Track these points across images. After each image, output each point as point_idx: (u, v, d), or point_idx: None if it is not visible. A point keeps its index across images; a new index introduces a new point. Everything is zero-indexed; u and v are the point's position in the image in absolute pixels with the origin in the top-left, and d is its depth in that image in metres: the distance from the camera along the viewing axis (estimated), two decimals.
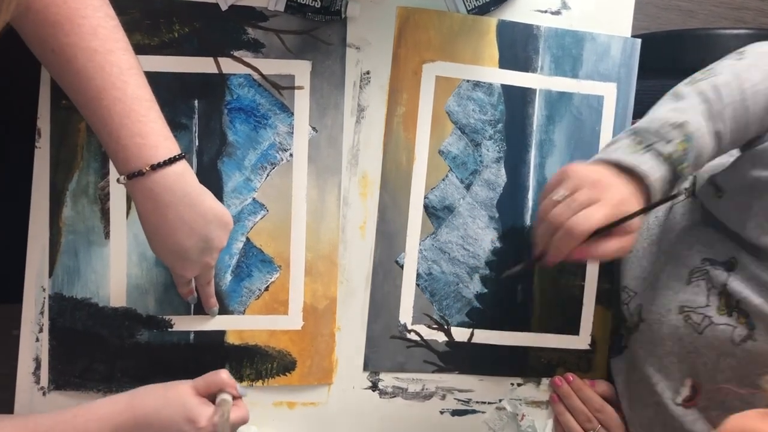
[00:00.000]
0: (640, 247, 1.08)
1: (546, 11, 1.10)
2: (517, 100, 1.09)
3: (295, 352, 1.02)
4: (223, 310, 1.01)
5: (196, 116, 1.00)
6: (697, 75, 0.95)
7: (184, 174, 0.82)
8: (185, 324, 1.01)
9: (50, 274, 0.98)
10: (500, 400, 1.10)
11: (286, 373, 1.03)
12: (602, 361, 1.12)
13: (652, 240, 1.08)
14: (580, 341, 1.12)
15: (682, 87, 0.95)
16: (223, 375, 0.87)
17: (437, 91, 1.08)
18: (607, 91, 1.10)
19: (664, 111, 0.91)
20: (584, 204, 0.84)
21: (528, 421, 1.10)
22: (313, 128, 1.02)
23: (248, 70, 1.01)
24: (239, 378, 1.02)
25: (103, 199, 0.99)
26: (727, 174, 0.97)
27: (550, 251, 0.88)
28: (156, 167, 0.79)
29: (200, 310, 1.00)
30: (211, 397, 0.87)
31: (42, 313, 0.98)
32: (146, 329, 1.00)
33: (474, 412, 1.09)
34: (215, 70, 1.00)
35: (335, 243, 1.03)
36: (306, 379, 1.03)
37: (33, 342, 0.99)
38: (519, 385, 1.11)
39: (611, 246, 0.85)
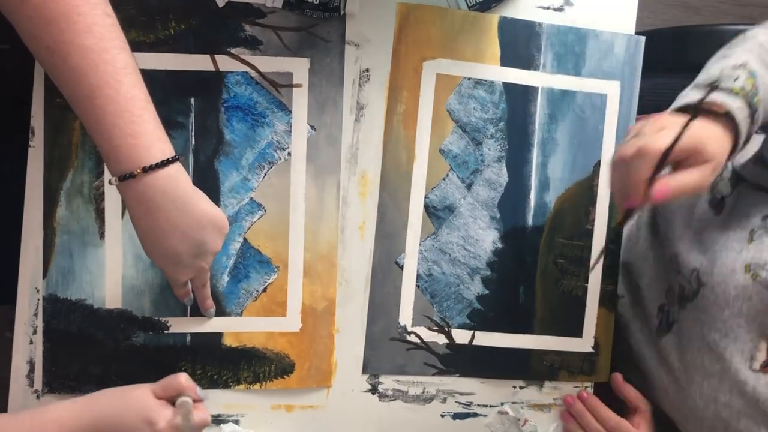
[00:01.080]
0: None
1: (548, 8, 1.10)
2: (519, 98, 1.09)
3: (293, 355, 1.02)
4: (221, 312, 1.01)
5: (193, 114, 1.00)
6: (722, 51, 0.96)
7: (178, 177, 0.81)
8: (182, 326, 1.00)
9: (44, 275, 0.98)
10: (502, 404, 1.10)
11: (284, 376, 1.03)
12: (605, 363, 1.12)
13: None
14: (583, 344, 1.12)
15: (724, 50, 0.94)
16: (182, 378, 0.86)
17: (438, 89, 1.08)
18: (611, 90, 1.10)
19: (718, 64, 0.90)
20: (654, 132, 0.82)
21: (530, 426, 1.10)
22: (312, 127, 1.02)
23: (245, 68, 1.00)
24: (237, 381, 1.02)
25: (98, 199, 0.99)
26: None
27: (629, 190, 0.83)
28: (148, 170, 0.78)
29: (197, 312, 1.00)
30: (171, 401, 0.86)
31: (36, 314, 0.98)
32: (142, 331, 1.00)
33: (475, 415, 1.09)
34: (212, 68, 1.00)
35: (334, 243, 1.03)
36: (304, 382, 1.03)
37: (27, 344, 0.99)
38: (521, 388, 1.10)
39: (691, 176, 0.81)
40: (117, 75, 0.77)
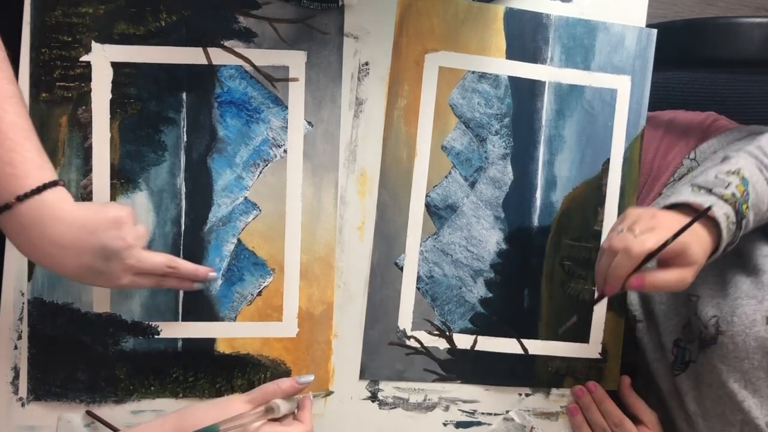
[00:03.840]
0: None
1: None
2: (525, 93, 1.08)
3: (289, 361, 1.02)
4: (214, 317, 1.01)
5: (185, 110, 0.99)
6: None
7: (54, 200, 0.80)
8: (173, 331, 1.00)
9: (29, 278, 0.97)
10: (507, 412, 1.09)
11: None
12: (614, 370, 1.11)
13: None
14: (590, 350, 1.11)
15: (726, 151, 1.02)
16: (283, 383, 0.88)
17: (440, 82, 1.07)
18: (621, 84, 1.10)
19: (714, 169, 0.97)
20: (642, 231, 0.88)
21: None
22: (309, 122, 1.02)
23: (239, 61, 1.00)
24: (230, 389, 1.01)
25: (86, 198, 0.98)
26: None
27: (608, 279, 0.91)
28: (23, 198, 0.78)
29: (189, 316, 1.00)
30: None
31: (21, 319, 0.97)
32: (131, 336, 1.00)
33: (480, 424, 1.09)
34: (204, 61, 0.99)
35: (332, 245, 1.03)
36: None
37: (11, 350, 0.98)
38: (527, 395, 1.10)
39: (670, 275, 0.88)
40: (2, 103, 0.77)
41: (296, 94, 1.01)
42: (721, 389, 0.99)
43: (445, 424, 1.08)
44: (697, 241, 0.89)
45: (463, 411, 1.08)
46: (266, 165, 1.01)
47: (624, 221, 0.92)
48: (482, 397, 1.09)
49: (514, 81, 1.08)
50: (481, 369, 1.09)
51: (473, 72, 1.07)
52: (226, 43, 0.99)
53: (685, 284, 0.90)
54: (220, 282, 1.01)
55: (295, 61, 1.01)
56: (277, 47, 1.00)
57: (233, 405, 0.83)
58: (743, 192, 0.92)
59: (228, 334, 1.01)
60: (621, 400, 1.10)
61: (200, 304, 1.00)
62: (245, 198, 1.00)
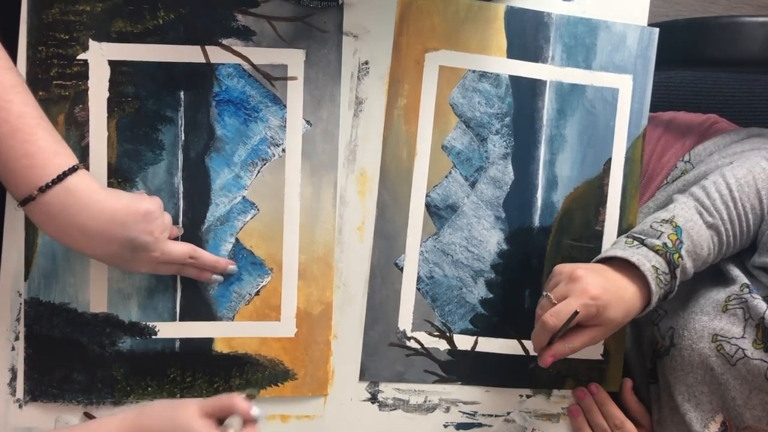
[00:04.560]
0: None
1: None
2: (526, 92, 1.08)
3: (287, 361, 1.02)
4: (211, 317, 1.01)
5: (182, 109, 0.99)
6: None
7: (80, 187, 0.81)
8: (170, 331, 1.00)
9: (26, 278, 0.97)
10: (509, 413, 1.09)
11: (279, 384, 1.02)
12: (616, 372, 1.12)
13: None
14: (592, 351, 1.11)
15: (674, 197, 1.06)
16: (236, 399, 0.84)
17: (441, 81, 1.07)
18: (623, 84, 1.10)
19: (652, 216, 1.02)
20: (558, 298, 0.93)
21: None
22: (307, 122, 1.02)
23: (238, 60, 1.00)
24: (228, 389, 1.01)
25: None
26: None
27: (536, 348, 0.97)
28: (45, 188, 0.79)
29: (187, 316, 1.00)
30: (220, 420, 0.85)
31: (18, 319, 0.97)
32: (129, 336, 1.00)
33: (480, 425, 1.09)
34: (202, 60, 0.99)
35: (331, 245, 1.03)
36: (300, 390, 1.03)
37: (8, 351, 0.98)
38: (528, 396, 1.10)
39: (578, 339, 0.94)
40: (6, 95, 0.78)
41: (295, 93, 1.01)
42: (672, 401, 1.02)
43: (445, 426, 1.08)
44: (618, 303, 0.92)
45: (464, 412, 1.09)
46: (264, 164, 1.01)
47: (550, 281, 0.97)
48: (483, 399, 1.09)
49: (515, 80, 1.08)
50: (482, 370, 1.09)
51: (474, 71, 1.07)
52: (224, 42, 0.99)
53: (596, 342, 0.96)
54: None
55: (293, 59, 1.01)
56: (276, 46, 1.00)
57: (186, 410, 0.81)
58: (675, 241, 0.96)
59: (226, 333, 1.01)
60: (622, 403, 1.10)
61: (198, 305, 1.00)
62: (243, 197, 1.00)
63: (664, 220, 0.99)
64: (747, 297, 0.96)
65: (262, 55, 1.00)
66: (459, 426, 1.08)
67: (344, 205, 1.04)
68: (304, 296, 1.02)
